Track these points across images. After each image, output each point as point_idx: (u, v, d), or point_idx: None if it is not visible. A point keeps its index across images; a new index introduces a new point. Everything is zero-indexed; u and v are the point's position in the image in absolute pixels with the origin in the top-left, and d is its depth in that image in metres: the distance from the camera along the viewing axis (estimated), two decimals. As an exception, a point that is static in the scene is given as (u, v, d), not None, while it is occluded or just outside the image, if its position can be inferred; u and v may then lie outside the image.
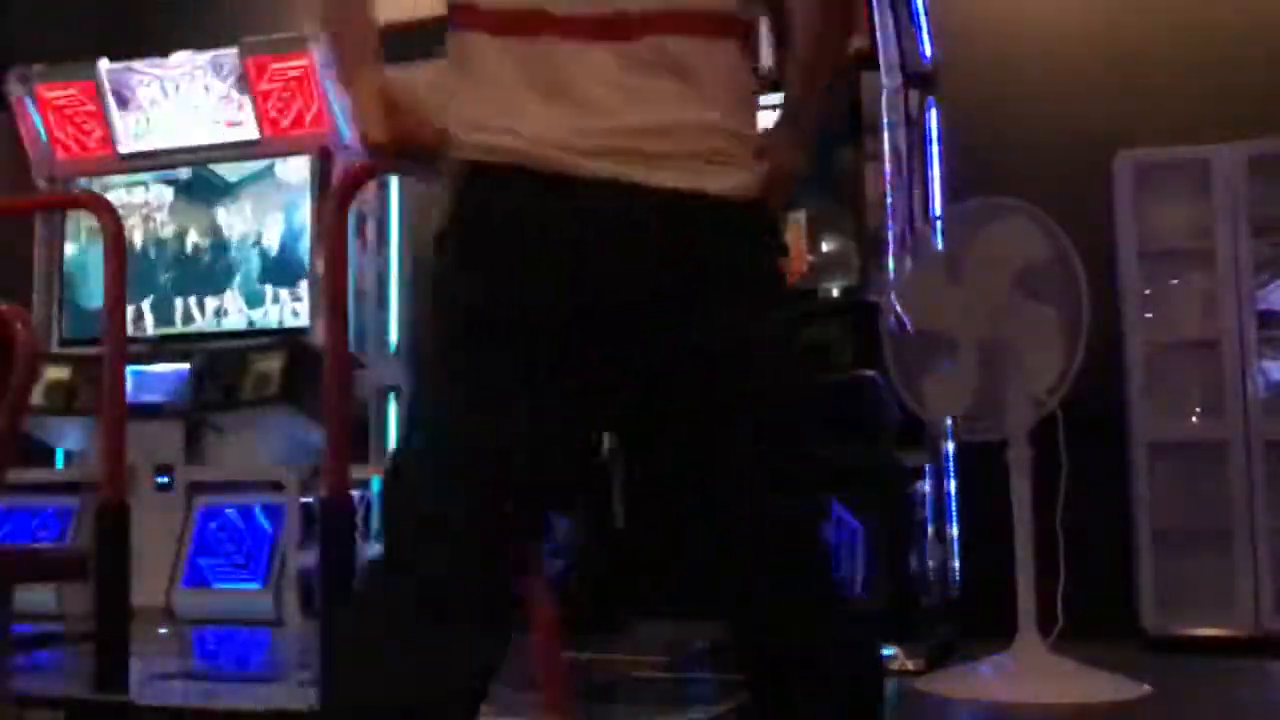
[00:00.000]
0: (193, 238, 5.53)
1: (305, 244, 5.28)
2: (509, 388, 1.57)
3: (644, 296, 1.57)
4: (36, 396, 4.67)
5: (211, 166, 5.51)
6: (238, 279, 5.42)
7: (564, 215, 1.57)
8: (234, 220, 5.47)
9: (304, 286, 5.25)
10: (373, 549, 5.11)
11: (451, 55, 1.74)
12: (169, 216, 5.58)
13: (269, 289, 5.35)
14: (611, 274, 1.56)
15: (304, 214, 5.31)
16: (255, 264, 5.39)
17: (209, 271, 5.48)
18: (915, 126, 4.77)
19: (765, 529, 1.63)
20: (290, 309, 5.29)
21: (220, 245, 5.48)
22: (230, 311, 5.41)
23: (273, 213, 5.40)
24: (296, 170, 5.34)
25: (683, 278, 1.57)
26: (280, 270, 5.35)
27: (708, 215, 1.58)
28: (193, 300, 5.48)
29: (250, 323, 5.34)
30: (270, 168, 5.40)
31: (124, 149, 5.63)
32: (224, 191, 5.51)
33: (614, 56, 1.59)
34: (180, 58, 5.50)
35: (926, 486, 4.51)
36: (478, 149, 1.62)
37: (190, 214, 5.55)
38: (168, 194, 5.59)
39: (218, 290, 5.45)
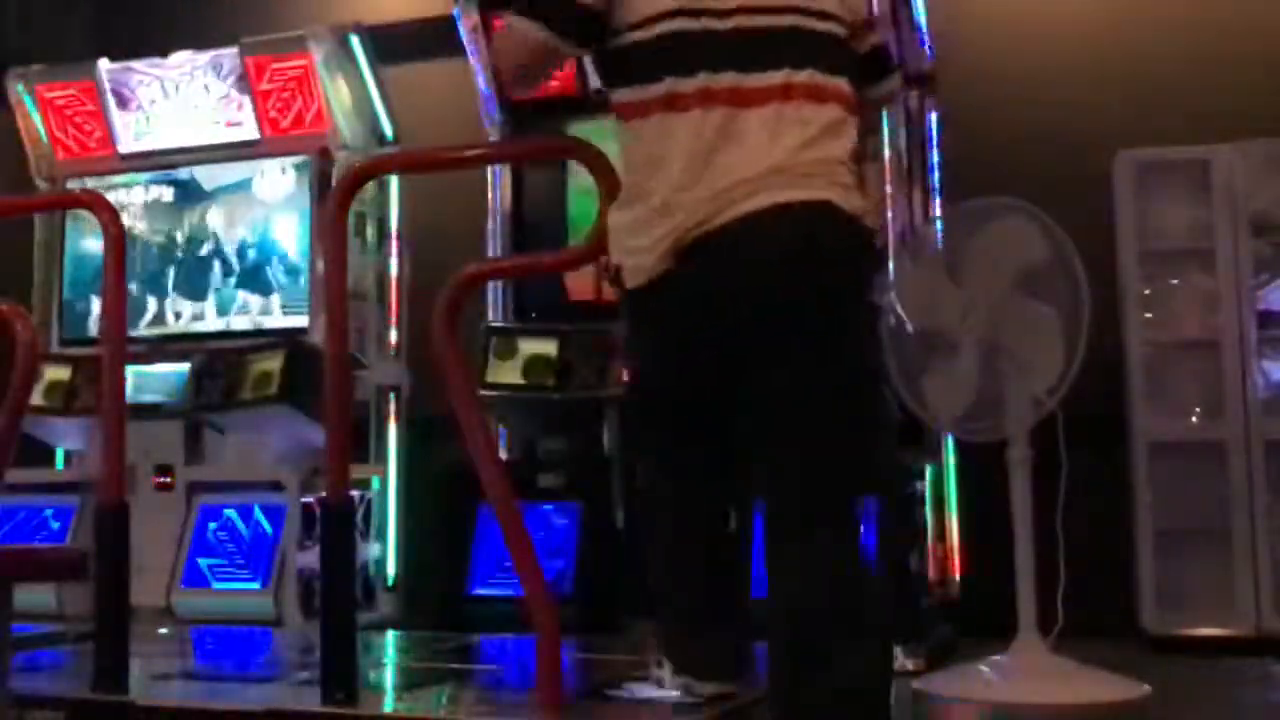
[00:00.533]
0: (193, 238, 5.53)
1: (305, 244, 5.28)
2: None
3: None
4: (36, 396, 4.67)
5: (211, 166, 5.51)
6: (238, 279, 5.42)
7: None
8: (234, 220, 5.47)
9: (304, 287, 5.25)
10: (372, 549, 5.13)
11: None
12: (169, 216, 5.58)
13: (269, 289, 5.35)
14: None
15: (304, 214, 5.30)
16: (256, 264, 5.39)
17: (209, 271, 5.48)
18: (915, 126, 4.77)
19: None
20: (290, 309, 5.29)
21: (220, 245, 5.47)
22: (230, 311, 5.41)
23: (272, 213, 5.40)
24: (296, 170, 5.34)
25: None
26: (280, 270, 5.34)
27: None
28: (193, 300, 5.48)
29: (250, 323, 5.33)
30: (270, 167, 5.40)
31: (124, 149, 5.63)
32: (223, 191, 5.51)
33: None
34: (180, 58, 5.50)
35: (926, 486, 4.51)
36: None
37: (190, 214, 5.55)
38: (168, 194, 5.59)
39: (218, 290, 5.45)
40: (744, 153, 2.37)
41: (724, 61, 2.40)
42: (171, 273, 5.51)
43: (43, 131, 5.72)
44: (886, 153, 4.51)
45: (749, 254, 2.34)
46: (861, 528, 2.52)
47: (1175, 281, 4.60)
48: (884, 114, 2.91)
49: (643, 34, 2.45)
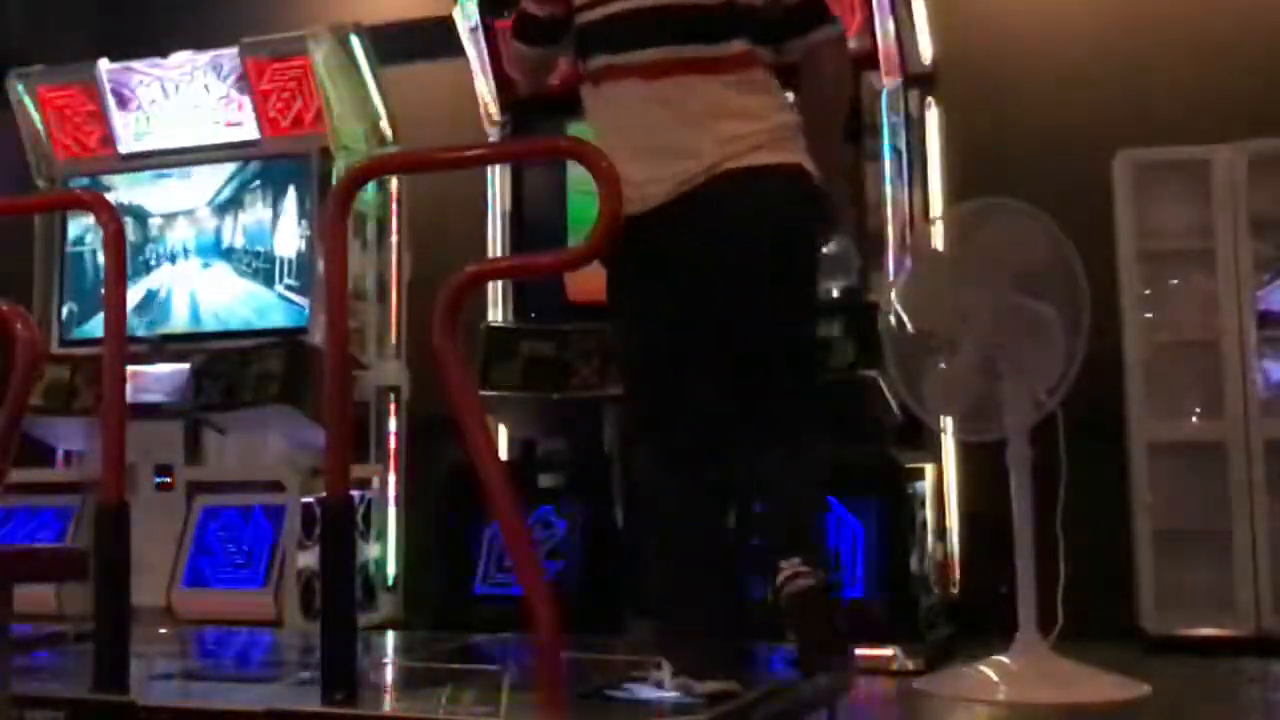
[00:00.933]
0: (193, 237, 5.53)
1: (305, 244, 5.28)
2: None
3: None
4: (36, 396, 4.67)
5: (211, 166, 5.51)
6: (237, 279, 5.42)
7: None
8: (234, 219, 5.47)
9: (304, 286, 5.25)
10: (372, 549, 5.13)
11: None
12: (169, 216, 5.58)
13: (269, 289, 5.35)
14: None
15: (303, 214, 5.31)
16: (255, 264, 5.39)
17: (209, 271, 5.48)
18: (915, 126, 4.78)
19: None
20: (290, 309, 5.29)
21: (220, 245, 5.48)
22: (230, 311, 5.41)
23: (272, 213, 5.40)
24: (296, 170, 5.34)
25: None
26: (280, 270, 5.35)
27: None
28: (193, 300, 5.49)
29: (250, 323, 5.34)
30: (270, 167, 5.40)
31: (124, 149, 5.64)
32: (223, 191, 5.51)
33: None
34: (180, 58, 5.50)
35: (926, 486, 4.52)
36: None
37: (189, 213, 5.55)
38: (168, 194, 5.60)
39: (217, 290, 5.45)
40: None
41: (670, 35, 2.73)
42: (172, 272, 5.53)
43: (43, 131, 5.73)
44: (886, 152, 4.53)
45: (733, 207, 2.68)
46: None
47: (1175, 281, 4.60)
48: (841, 63, 2.90)
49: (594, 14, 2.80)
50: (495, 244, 4.99)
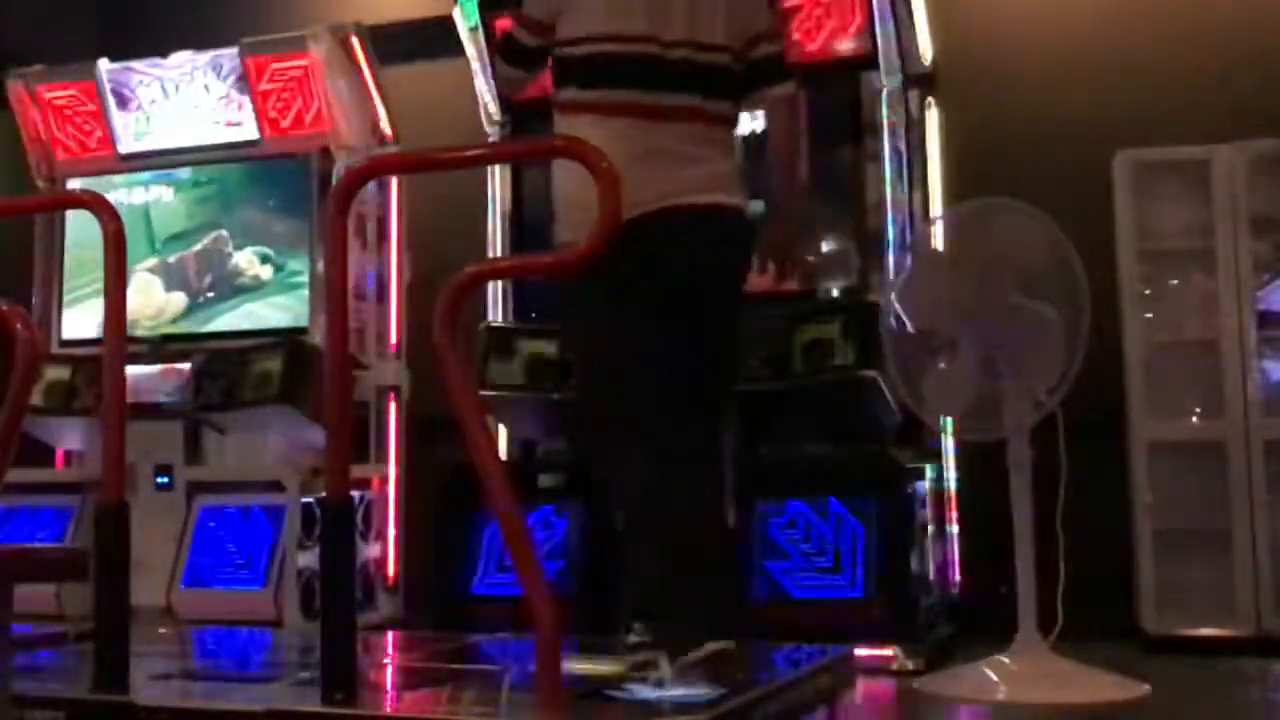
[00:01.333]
0: (192, 237, 5.53)
1: (305, 244, 5.28)
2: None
3: None
4: (36, 396, 4.67)
5: (211, 166, 5.52)
6: (237, 278, 5.42)
7: None
8: (234, 219, 5.47)
9: (304, 286, 5.25)
10: (372, 549, 5.13)
11: None
12: (169, 216, 5.58)
13: (269, 289, 5.35)
14: None
15: (303, 214, 5.30)
16: (256, 264, 5.39)
17: (209, 271, 5.48)
18: (915, 126, 4.78)
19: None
20: (289, 309, 5.29)
21: (219, 245, 5.48)
22: (230, 311, 5.41)
23: (272, 213, 5.40)
24: (296, 170, 5.34)
25: None
26: (280, 270, 5.35)
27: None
28: (192, 300, 5.49)
29: (250, 323, 5.33)
30: (270, 167, 5.40)
31: (124, 149, 5.64)
32: (223, 191, 5.51)
33: None
34: (180, 58, 5.50)
35: (926, 486, 4.51)
36: None
37: (190, 213, 5.55)
38: (168, 194, 5.60)
39: (217, 290, 5.45)
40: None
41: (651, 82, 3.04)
42: (172, 272, 5.53)
43: (43, 132, 5.73)
44: (886, 152, 4.53)
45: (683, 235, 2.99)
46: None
47: (1175, 281, 4.60)
48: (795, 114, 3.38)
49: (577, 50, 3.09)
50: (495, 244, 4.99)
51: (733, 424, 3.73)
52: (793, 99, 3.26)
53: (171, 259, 5.52)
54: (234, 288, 5.42)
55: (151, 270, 5.52)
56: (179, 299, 5.49)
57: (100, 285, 3.30)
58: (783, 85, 3.22)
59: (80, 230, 5.51)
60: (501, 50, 3.32)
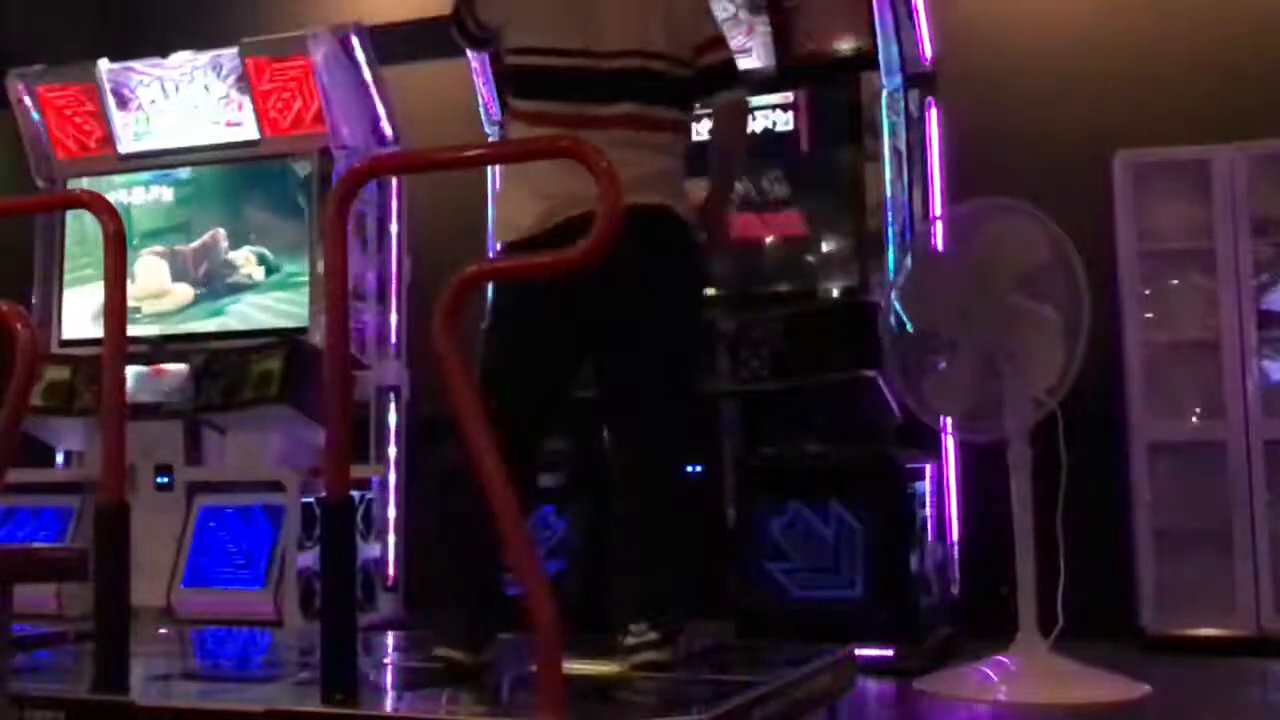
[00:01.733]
0: (192, 237, 5.53)
1: (305, 244, 5.28)
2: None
3: None
4: (36, 396, 4.67)
5: (211, 166, 5.52)
6: (237, 279, 5.42)
7: None
8: (234, 219, 5.47)
9: (304, 286, 5.25)
10: (372, 549, 5.13)
11: None
12: (169, 216, 5.58)
13: (268, 288, 5.35)
14: None
15: (303, 214, 5.30)
16: (252, 261, 5.39)
17: (209, 270, 5.48)
18: (915, 126, 4.78)
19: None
20: (289, 309, 5.29)
21: (220, 245, 5.48)
22: (230, 311, 5.41)
23: (272, 212, 5.40)
24: (296, 170, 5.34)
25: None
26: (280, 270, 5.35)
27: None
28: (192, 300, 5.49)
29: (250, 323, 5.34)
30: (269, 167, 5.40)
31: (124, 149, 5.64)
32: (223, 191, 5.52)
33: None
34: (180, 58, 5.50)
35: (926, 486, 4.51)
36: None
37: (190, 213, 5.56)
38: (168, 194, 5.60)
39: (217, 290, 5.45)
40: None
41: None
42: (172, 272, 5.53)
43: (43, 131, 5.73)
44: (886, 152, 4.53)
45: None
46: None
47: (1175, 281, 4.60)
48: (743, 119, 3.37)
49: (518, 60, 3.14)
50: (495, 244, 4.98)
51: (732, 425, 3.75)
52: (741, 103, 3.29)
53: (172, 248, 5.54)
54: (229, 285, 5.42)
55: (159, 255, 5.54)
56: (185, 290, 5.50)
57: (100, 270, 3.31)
58: (733, 91, 3.25)
59: (80, 227, 5.53)
60: (452, 23, 3.34)
